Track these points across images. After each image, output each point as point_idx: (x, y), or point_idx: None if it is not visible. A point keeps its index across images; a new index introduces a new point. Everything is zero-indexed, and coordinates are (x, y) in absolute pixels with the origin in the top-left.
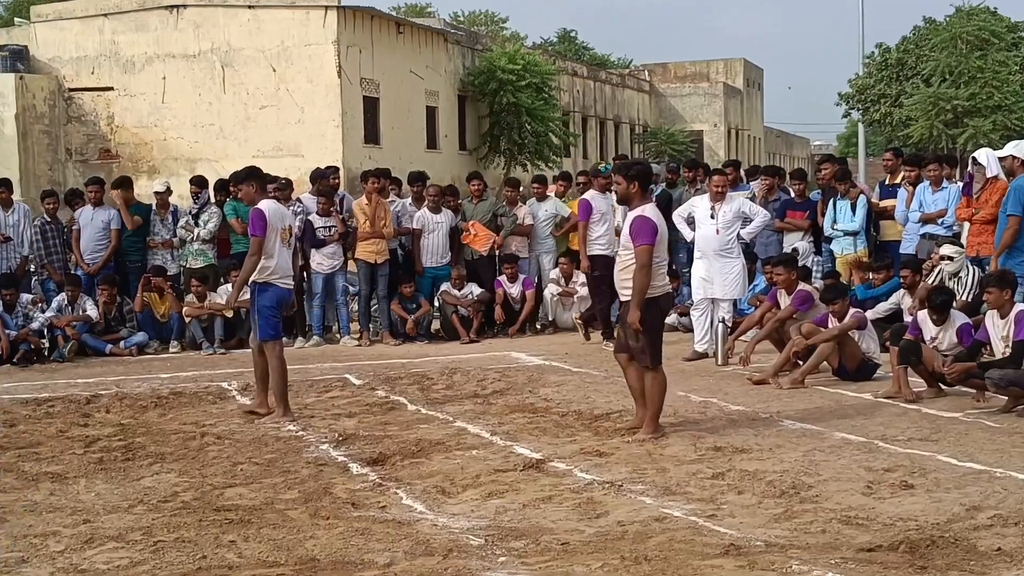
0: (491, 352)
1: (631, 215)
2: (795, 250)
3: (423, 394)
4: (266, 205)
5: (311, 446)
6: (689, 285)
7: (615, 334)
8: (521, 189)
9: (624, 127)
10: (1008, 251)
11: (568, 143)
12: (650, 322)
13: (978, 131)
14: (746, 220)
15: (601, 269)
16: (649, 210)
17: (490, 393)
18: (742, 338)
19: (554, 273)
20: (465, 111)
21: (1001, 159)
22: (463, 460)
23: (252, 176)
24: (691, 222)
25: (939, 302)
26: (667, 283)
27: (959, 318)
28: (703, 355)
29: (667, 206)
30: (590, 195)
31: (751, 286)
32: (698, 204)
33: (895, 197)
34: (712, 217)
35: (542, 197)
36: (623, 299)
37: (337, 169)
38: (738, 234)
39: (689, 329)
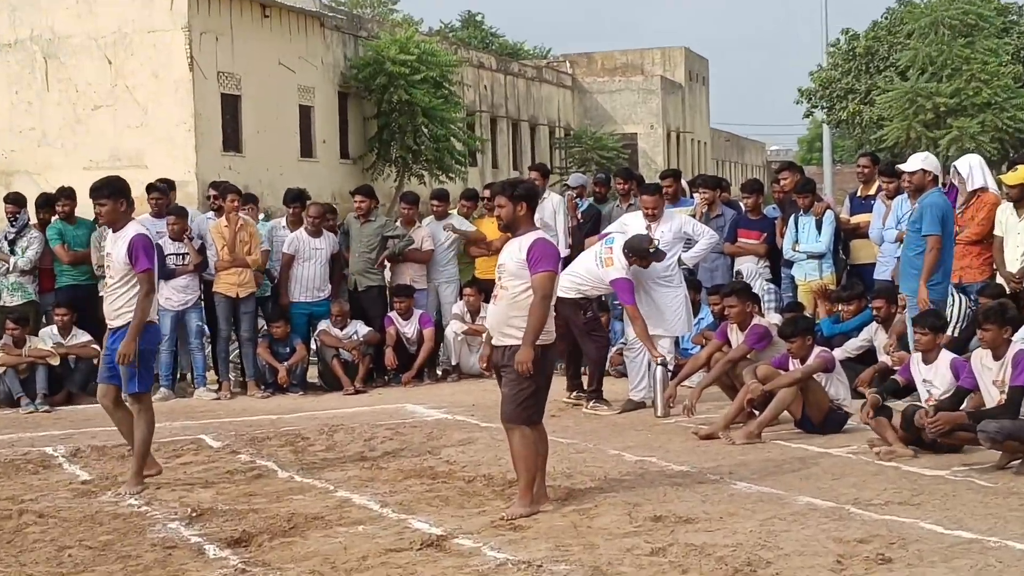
0: (381, 405)
1: (524, 239)
2: (738, 273)
3: (297, 457)
4: (142, 228)
5: (157, 524)
6: (622, 320)
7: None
8: (419, 206)
9: (542, 130)
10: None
11: (474, 149)
12: (541, 370)
13: (963, 133)
14: (689, 242)
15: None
16: (544, 235)
17: (380, 455)
18: (685, 383)
19: (457, 307)
20: (347, 111)
21: (910, 173)
22: (347, 538)
23: (120, 193)
24: None
25: (929, 325)
26: (554, 330)
27: (946, 354)
28: (639, 405)
29: (595, 224)
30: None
31: (695, 320)
32: (631, 223)
33: (869, 212)
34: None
35: (442, 215)
36: (501, 343)
37: (173, 184)
38: (679, 259)
39: (622, 374)
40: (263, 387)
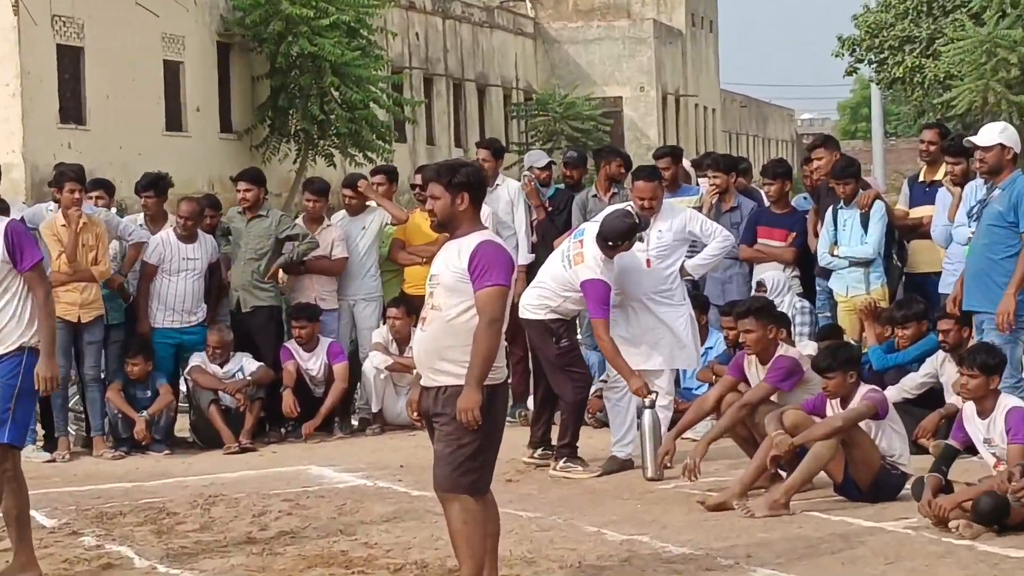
0: (276, 467)
1: (465, 241)
2: (760, 285)
3: (161, 541)
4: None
5: None
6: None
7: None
8: (328, 198)
9: (493, 93)
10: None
11: (402, 120)
12: (489, 419)
13: None
14: (695, 245)
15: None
16: (493, 237)
17: (275, 536)
18: (688, 435)
19: (379, 334)
20: (230, 69)
21: (984, 149)
22: None
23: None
24: None
25: (980, 363)
26: (505, 365)
27: (1007, 399)
28: (626, 464)
29: (567, 216)
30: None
31: (702, 350)
32: None
33: (932, 203)
34: (641, 240)
35: (358, 209)
36: (433, 383)
37: None
38: (682, 267)
39: (603, 424)
40: (114, 444)
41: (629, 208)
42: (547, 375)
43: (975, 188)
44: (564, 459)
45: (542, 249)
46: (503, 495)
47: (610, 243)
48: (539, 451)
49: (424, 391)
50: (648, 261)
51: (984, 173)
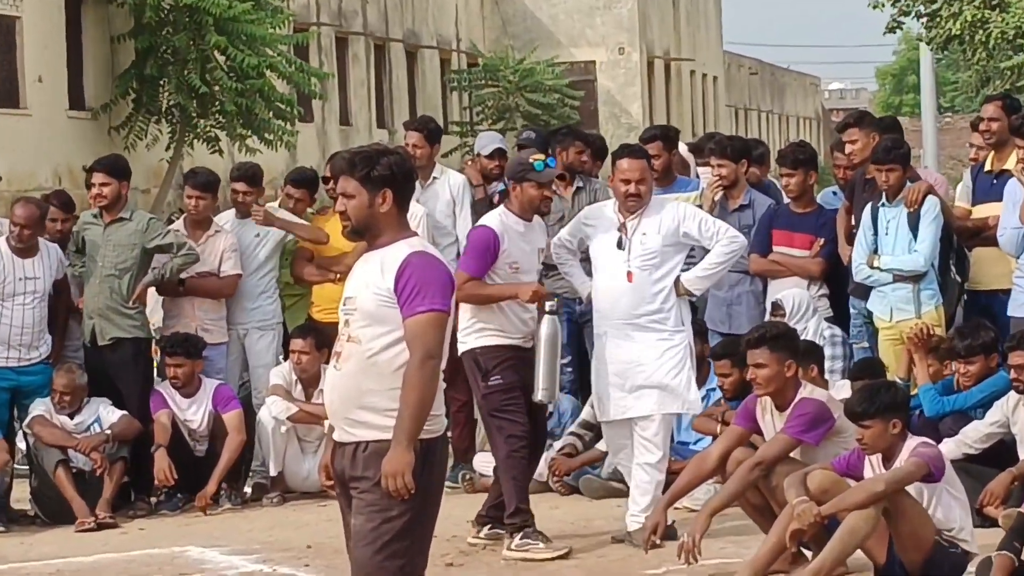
0: (145, 549)
1: (390, 254)
2: (777, 307)
3: None
4: None
5: None
6: (573, 392)
7: None
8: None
9: (428, 56)
10: None
11: (309, 92)
12: (424, 486)
13: None
14: (695, 251)
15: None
16: (425, 246)
17: None
18: (684, 502)
19: (278, 373)
20: (82, 28)
21: None
22: None
23: None
24: (588, 259)
25: None
26: (443, 413)
27: None
28: (613, 538)
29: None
30: (498, 218)
31: (703, 391)
32: (597, 220)
33: (1000, 199)
34: (621, 247)
35: (245, 212)
36: (350, 438)
37: None
38: (677, 282)
39: (572, 490)
40: None
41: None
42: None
43: None
44: (520, 535)
45: None
46: None
47: (510, 179)
48: (486, 529)
49: (338, 448)
50: (629, 274)
51: None
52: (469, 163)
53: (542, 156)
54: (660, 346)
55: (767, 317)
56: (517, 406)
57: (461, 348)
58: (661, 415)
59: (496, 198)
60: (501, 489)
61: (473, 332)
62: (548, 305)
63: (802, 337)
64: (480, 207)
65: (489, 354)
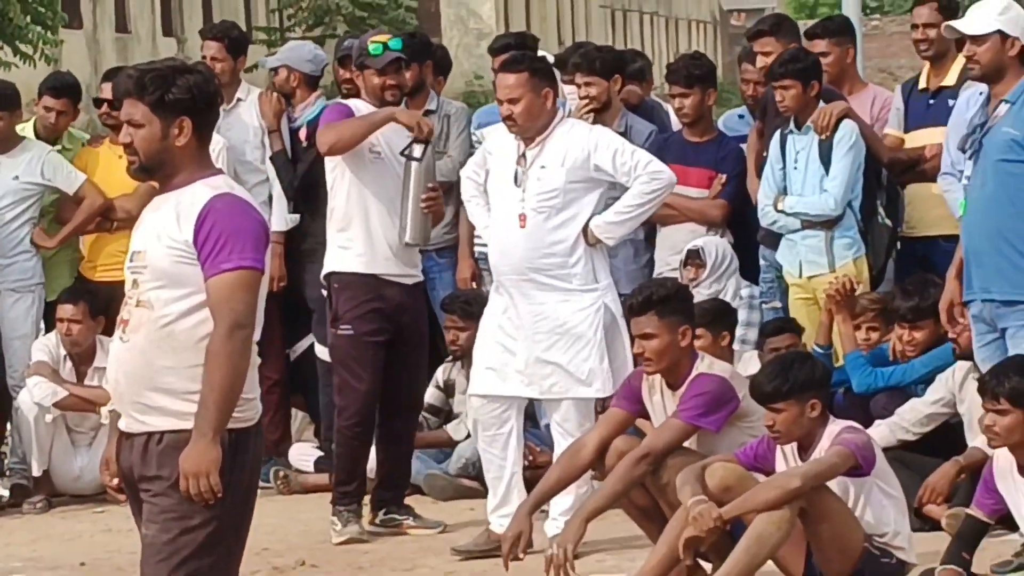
0: None
1: (186, 196)
2: (694, 256)
3: None
4: None
5: None
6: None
7: None
8: None
9: None
10: None
11: None
12: (233, 487)
13: None
14: (610, 188)
15: None
16: (233, 187)
17: None
18: (555, 504)
19: (41, 348)
20: None
21: (974, 40)
22: None
23: None
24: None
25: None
26: (257, 395)
27: None
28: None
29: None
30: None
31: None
32: (498, 149)
33: (942, 124)
34: (516, 183)
35: (5, 140)
36: (139, 427)
37: None
38: (586, 228)
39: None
40: None
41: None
42: None
43: (968, 102)
44: (383, 511)
45: (305, 207)
46: None
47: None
48: (383, 513)
49: (125, 440)
50: (522, 217)
51: (977, 78)
52: (268, 96)
53: (385, 38)
54: (563, 309)
55: (671, 272)
56: (363, 367)
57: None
58: (572, 400)
59: (304, 131)
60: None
61: (335, 248)
62: (415, 150)
63: (720, 298)
64: (278, 159)
65: (346, 288)
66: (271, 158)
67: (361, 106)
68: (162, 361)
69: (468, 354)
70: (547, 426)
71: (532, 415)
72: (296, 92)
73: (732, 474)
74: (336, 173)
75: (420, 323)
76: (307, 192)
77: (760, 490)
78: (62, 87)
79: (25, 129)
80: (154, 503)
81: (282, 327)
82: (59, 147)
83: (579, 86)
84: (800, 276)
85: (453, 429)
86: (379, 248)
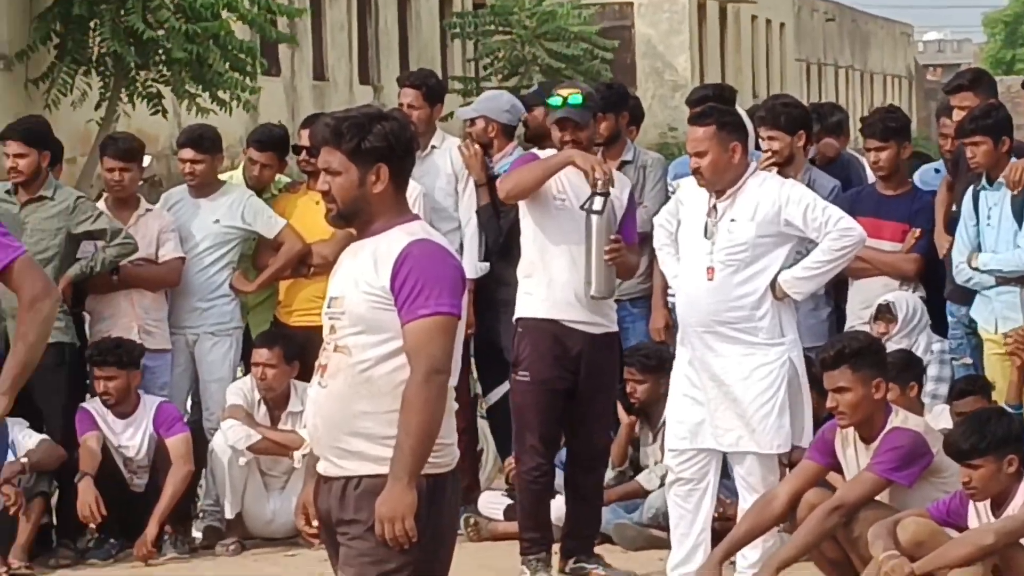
0: None
1: (383, 243)
2: (884, 312)
3: None
4: None
5: None
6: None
7: None
8: (150, 164)
9: None
10: None
11: (274, 38)
12: (431, 532)
13: None
14: (801, 245)
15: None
16: (430, 234)
17: None
18: (745, 556)
19: (237, 391)
20: None
21: None
22: None
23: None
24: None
25: None
26: (455, 440)
27: None
28: None
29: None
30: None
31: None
32: (689, 200)
33: None
34: (707, 235)
35: (206, 184)
36: (338, 471)
37: None
38: (774, 283)
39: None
40: None
41: None
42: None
43: None
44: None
45: (501, 256)
46: None
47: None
48: (571, 562)
49: (323, 484)
50: (710, 269)
51: None
52: (469, 149)
53: (568, 92)
54: (747, 363)
55: (862, 326)
56: (539, 414)
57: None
58: (758, 453)
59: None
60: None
61: (522, 294)
62: (598, 183)
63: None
64: (484, 213)
65: (528, 333)
66: (477, 212)
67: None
68: (360, 406)
69: (647, 407)
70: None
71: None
72: (494, 142)
73: (925, 529)
74: (524, 221)
75: (606, 374)
76: (504, 241)
77: (953, 546)
78: (268, 140)
79: (233, 177)
80: (351, 547)
81: (468, 376)
82: (266, 196)
83: (763, 139)
84: (996, 332)
85: (645, 479)
86: (561, 294)
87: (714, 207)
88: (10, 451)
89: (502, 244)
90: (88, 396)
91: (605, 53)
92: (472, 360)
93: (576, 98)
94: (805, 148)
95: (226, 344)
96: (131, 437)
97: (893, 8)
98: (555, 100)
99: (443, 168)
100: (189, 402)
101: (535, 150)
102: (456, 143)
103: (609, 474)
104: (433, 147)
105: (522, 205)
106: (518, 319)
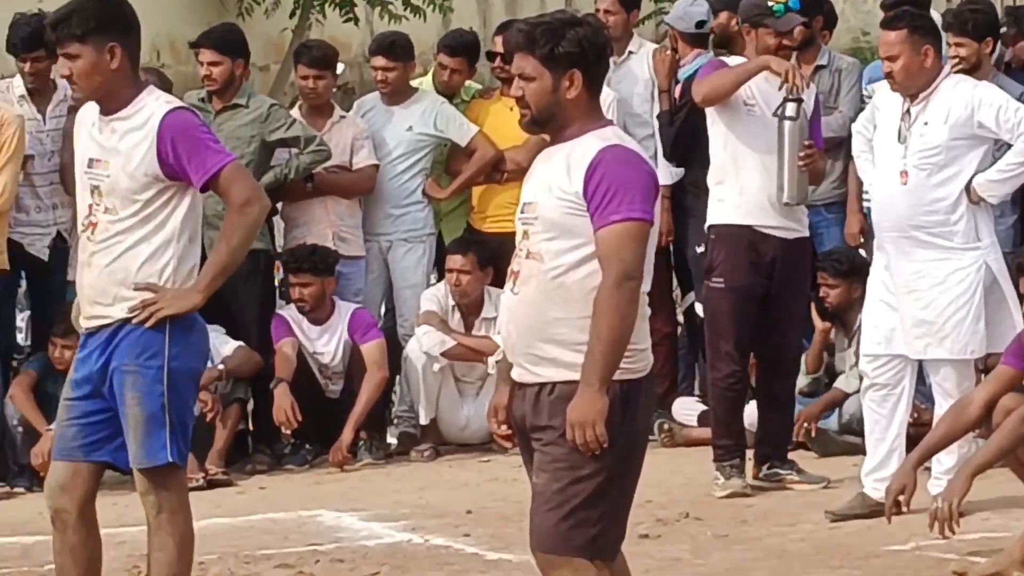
0: (267, 512)
1: (577, 148)
2: None
3: None
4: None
5: None
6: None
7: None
8: (343, 72)
9: None
10: None
11: None
12: (623, 438)
13: None
14: (996, 147)
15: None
16: (623, 139)
17: None
18: (940, 460)
19: (431, 297)
20: None
21: None
22: None
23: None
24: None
25: None
26: (648, 346)
27: None
28: (875, 509)
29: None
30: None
31: None
32: (884, 105)
33: None
34: (900, 139)
35: (399, 92)
36: (532, 378)
37: None
38: (969, 186)
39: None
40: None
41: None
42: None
43: None
44: (766, 465)
45: (686, 163)
46: (637, 560)
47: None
48: (766, 468)
49: (516, 390)
50: (904, 173)
51: None
52: (667, 56)
53: None
54: (942, 269)
55: None
56: (733, 321)
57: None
58: (953, 358)
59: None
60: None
61: (713, 201)
62: (794, 89)
63: None
64: (662, 118)
65: (721, 240)
66: (657, 116)
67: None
68: (553, 312)
69: (841, 313)
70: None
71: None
72: (678, 50)
73: None
74: (714, 128)
75: (799, 279)
76: (689, 148)
77: None
78: (458, 46)
79: (423, 83)
80: (545, 452)
81: (669, 281)
82: (455, 101)
83: (950, 45)
84: None
85: (844, 383)
86: (754, 200)
87: (907, 111)
88: (210, 361)
89: (688, 151)
90: (281, 303)
91: None
92: (673, 265)
93: (796, 2)
94: (991, 54)
95: (419, 251)
96: (326, 343)
97: None
98: (778, 8)
99: (640, 74)
100: (383, 309)
101: (723, 57)
102: (653, 48)
103: (803, 380)
104: (630, 52)
105: (711, 112)
106: (710, 226)
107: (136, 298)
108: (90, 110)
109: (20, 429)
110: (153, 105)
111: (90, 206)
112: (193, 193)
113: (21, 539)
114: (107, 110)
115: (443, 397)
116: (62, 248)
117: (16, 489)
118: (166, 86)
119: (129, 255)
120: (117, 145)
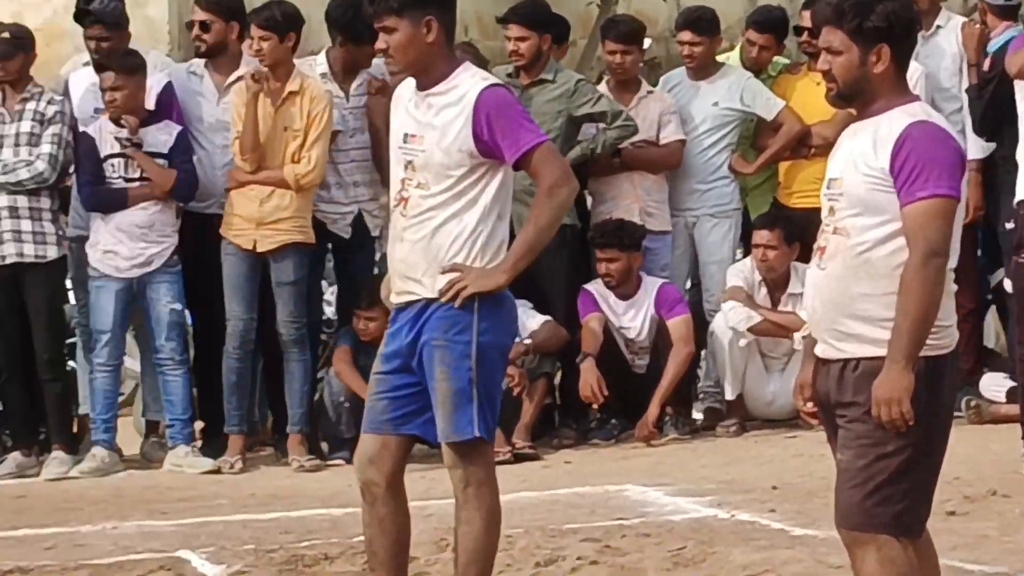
0: (573, 487)
1: (885, 122)
2: None
3: None
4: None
5: None
6: None
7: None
8: (650, 47)
9: None
10: None
11: None
12: (928, 415)
13: None
14: None
15: None
16: (930, 115)
17: None
18: None
19: (737, 272)
20: None
21: None
22: None
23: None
24: None
25: None
26: (954, 323)
27: None
28: None
29: None
30: None
31: None
32: None
33: None
34: None
35: (705, 66)
36: (837, 354)
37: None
38: None
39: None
40: (329, 448)
41: None
42: None
43: None
44: None
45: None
46: (944, 537)
47: None
48: None
49: (821, 366)
50: None
51: None
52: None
53: None
54: None
55: None
56: None
57: None
58: None
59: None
60: None
61: (1022, 176)
62: None
63: None
64: (971, 92)
65: None
66: (967, 90)
67: None
68: (859, 288)
69: None
70: None
71: None
72: (987, 23)
73: None
74: None
75: None
76: (999, 121)
77: None
78: (767, 22)
79: (730, 58)
80: (849, 429)
81: (975, 258)
82: (763, 77)
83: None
84: None
85: None
86: None
87: None
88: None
89: (998, 125)
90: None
91: None
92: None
93: None
94: None
95: (725, 226)
96: (633, 318)
97: None
98: None
99: (948, 49)
100: (688, 283)
101: None
102: (961, 22)
103: None
104: (938, 27)
105: (1021, 85)
106: (1019, 201)
107: (444, 279)
108: (407, 86)
109: (347, 405)
110: (469, 81)
111: (403, 180)
112: (505, 170)
113: (331, 511)
114: (423, 85)
115: (749, 373)
116: (363, 226)
117: (334, 461)
118: (481, 62)
119: (441, 231)
120: (432, 120)
